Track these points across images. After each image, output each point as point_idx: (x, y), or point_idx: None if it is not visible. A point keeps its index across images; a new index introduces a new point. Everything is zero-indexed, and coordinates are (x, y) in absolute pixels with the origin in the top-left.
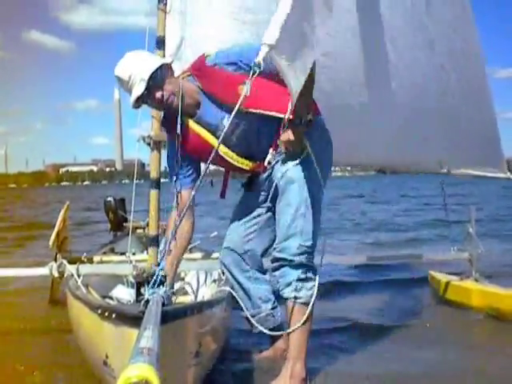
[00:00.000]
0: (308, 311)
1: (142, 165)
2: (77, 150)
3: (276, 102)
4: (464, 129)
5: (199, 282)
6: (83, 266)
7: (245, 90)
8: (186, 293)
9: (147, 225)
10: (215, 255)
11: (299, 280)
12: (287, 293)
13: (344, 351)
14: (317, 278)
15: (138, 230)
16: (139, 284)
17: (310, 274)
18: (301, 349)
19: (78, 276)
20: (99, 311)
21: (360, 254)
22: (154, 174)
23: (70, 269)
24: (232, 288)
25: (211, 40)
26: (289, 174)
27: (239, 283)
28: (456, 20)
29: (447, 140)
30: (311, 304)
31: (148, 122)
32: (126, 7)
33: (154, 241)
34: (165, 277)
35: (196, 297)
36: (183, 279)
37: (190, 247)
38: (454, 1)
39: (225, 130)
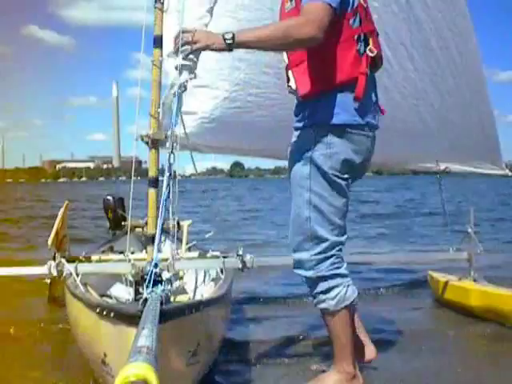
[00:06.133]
0: (337, 317)
1: (139, 162)
2: (74, 147)
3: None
4: (461, 126)
5: (197, 280)
6: (82, 265)
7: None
8: (184, 292)
9: (146, 224)
10: (213, 254)
11: (320, 293)
12: (315, 303)
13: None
14: (343, 281)
15: (137, 229)
16: (137, 283)
17: (331, 283)
18: (340, 349)
19: (77, 275)
20: (98, 310)
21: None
22: (152, 173)
23: (69, 268)
24: None
25: None
26: (293, 166)
27: None
28: (452, 18)
29: (445, 137)
30: (342, 310)
31: (146, 121)
32: (125, 3)
33: (153, 240)
34: (160, 275)
35: (194, 296)
36: (181, 278)
37: (188, 246)
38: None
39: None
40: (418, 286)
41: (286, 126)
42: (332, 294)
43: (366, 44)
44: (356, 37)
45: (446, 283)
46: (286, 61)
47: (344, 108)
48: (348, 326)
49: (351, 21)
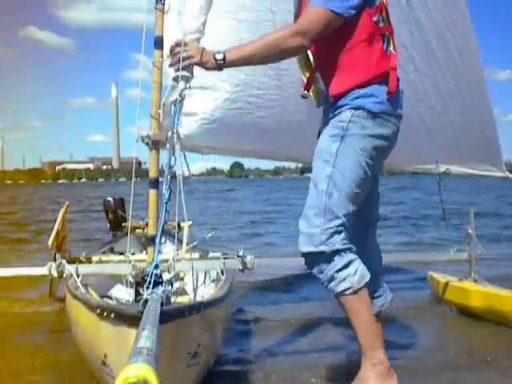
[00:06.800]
0: (361, 297)
1: (139, 163)
2: (74, 148)
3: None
4: (462, 127)
5: (198, 282)
6: (82, 266)
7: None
8: (184, 293)
9: (146, 225)
10: (213, 255)
11: (340, 269)
12: (333, 288)
13: (338, 353)
14: (356, 256)
15: (138, 230)
16: (138, 284)
17: (349, 256)
18: (370, 342)
19: (77, 276)
20: (98, 311)
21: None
22: (152, 174)
23: (69, 268)
24: None
25: (209, 40)
26: (319, 143)
27: None
28: (452, 20)
29: (445, 139)
30: (363, 288)
31: (146, 122)
32: (125, 4)
33: (153, 241)
34: (161, 276)
35: (195, 297)
36: (182, 279)
37: (188, 247)
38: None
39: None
40: (417, 287)
41: (285, 128)
42: (352, 268)
43: (388, 44)
44: (381, 35)
45: (447, 284)
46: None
47: (380, 97)
48: (371, 307)
49: (374, 18)
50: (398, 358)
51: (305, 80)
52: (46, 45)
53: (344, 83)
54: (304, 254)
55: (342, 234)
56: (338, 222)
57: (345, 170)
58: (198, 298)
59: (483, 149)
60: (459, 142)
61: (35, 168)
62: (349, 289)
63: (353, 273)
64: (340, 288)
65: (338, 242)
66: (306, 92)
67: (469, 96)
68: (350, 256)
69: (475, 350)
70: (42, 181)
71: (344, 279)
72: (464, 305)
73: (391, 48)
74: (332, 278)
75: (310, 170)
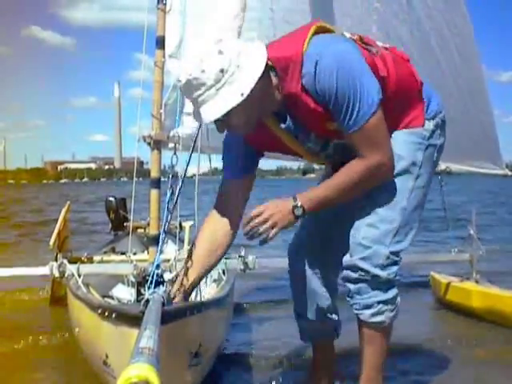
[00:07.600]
0: (388, 333)
1: (141, 163)
2: (76, 148)
3: None
4: (462, 125)
5: None
6: (84, 266)
7: (333, 125)
8: None
9: (148, 224)
10: None
11: (383, 302)
12: (365, 316)
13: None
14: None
15: (139, 230)
16: (139, 284)
17: (395, 291)
18: (378, 370)
19: (79, 276)
20: (99, 311)
21: None
22: (154, 174)
23: (71, 268)
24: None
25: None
26: (403, 144)
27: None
28: (451, 18)
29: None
30: (391, 327)
31: (148, 122)
32: (127, 3)
33: (155, 240)
34: (162, 276)
35: (196, 297)
36: None
37: (190, 247)
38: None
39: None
40: (419, 287)
41: None
42: (392, 305)
43: (376, 46)
44: (369, 49)
45: (448, 284)
46: None
47: (438, 99)
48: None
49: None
50: (396, 360)
51: None
52: (48, 44)
53: (420, 116)
54: (353, 266)
55: (398, 264)
56: (402, 247)
57: (423, 188)
58: (199, 298)
59: (483, 147)
60: (459, 141)
61: (37, 167)
62: (382, 323)
63: (392, 309)
64: (374, 319)
65: (395, 272)
66: None
67: (468, 95)
68: (396, 290)
69: (477, 352)
70: (44, 180)
71: (382, 313)
72: (465, 305)
73: (380, 45)
74: (370, 306)
75: (311, 170)
